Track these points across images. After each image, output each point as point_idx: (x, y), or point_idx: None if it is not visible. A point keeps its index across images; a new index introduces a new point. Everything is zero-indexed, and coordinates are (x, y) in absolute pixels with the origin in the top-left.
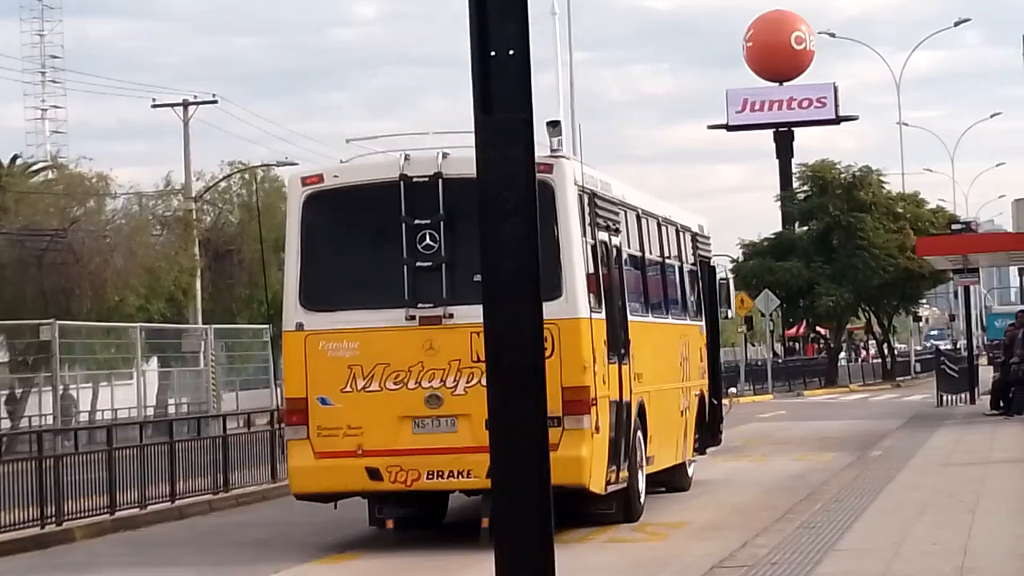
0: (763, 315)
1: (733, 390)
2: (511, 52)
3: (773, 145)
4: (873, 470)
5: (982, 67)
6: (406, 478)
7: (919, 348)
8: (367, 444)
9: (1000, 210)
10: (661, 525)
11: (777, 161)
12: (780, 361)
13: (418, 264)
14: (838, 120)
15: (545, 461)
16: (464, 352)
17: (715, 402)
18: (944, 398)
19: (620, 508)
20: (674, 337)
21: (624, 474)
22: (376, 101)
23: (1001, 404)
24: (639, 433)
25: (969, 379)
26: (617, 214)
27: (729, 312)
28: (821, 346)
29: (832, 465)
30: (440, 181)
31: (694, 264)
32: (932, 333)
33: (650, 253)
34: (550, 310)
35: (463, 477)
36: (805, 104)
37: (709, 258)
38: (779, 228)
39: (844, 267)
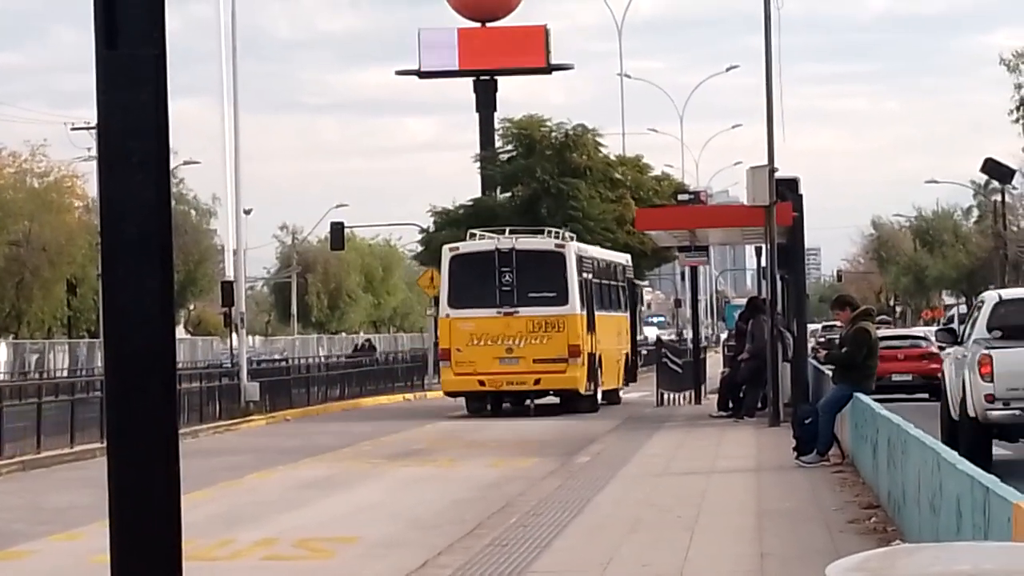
0: None
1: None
2: None
3: (473, 96)
4: (579, 480)
5: (717, 12)
6: (496, 384)
7: (640, 338)
8: (478, 369)
9: (736, 179)
10: (328, 540)
11: (477, 115)
12: None
13: (502, 288)
14: (549, 69)
15: (174, 461)
16: (525, 328)
17: (633, 358)
18: (665, 396)
19: (590, 405)
20: (614, 322)
21: (592, 387)
22: None
23: (730, 405)
24: (599, 368)
25: (695, 375)
26: (590, 263)
27: (642, 307)
28: None
29: (532, 473)
30: (514, 251)
31: (623, 282)
32: (659, 319)
33: (603, 280)
34: (563, 311)
35: (522, 385)
36: (511, 49)
37: (631, 278)
38: (478, 194)
39: None
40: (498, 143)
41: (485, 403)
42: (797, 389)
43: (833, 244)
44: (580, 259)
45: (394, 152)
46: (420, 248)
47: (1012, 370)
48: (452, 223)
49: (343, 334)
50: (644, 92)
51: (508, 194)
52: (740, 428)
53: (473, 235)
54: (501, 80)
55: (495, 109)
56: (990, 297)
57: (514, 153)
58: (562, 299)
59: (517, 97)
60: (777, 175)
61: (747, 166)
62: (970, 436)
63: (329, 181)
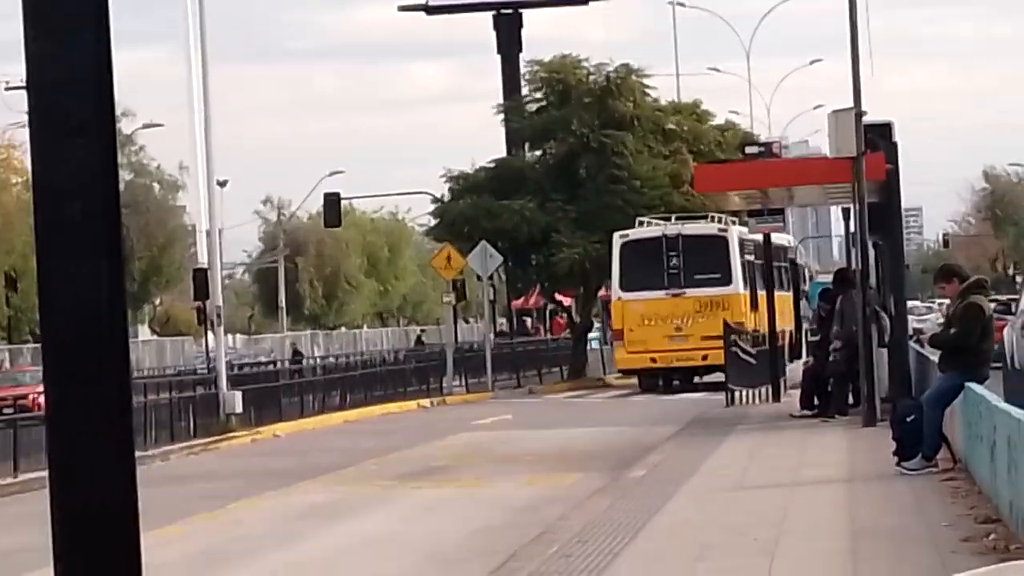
0: (479, 278)
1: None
2: None
3: (493, 35)
4: (632, 498)
5: None
6: (667, 361)
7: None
8: (649, 347)
9: (816, 126)
10: None
11: (499, 58)
12: (505, 344)
13: (670, 271)
14: None
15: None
16: (691, 308)
17: (798, 335)
18: (736, 394)
19: None
20: (777, 300)
21: None
22: None
23: (816, 402)
24: None
25: (771, 367)
26: (751, 245)
27: (804, 285)
28: (565, 321)
29: (576, 492)
30: (680, 237)
31: (785, 262)
32: None
33: (764, 260)
34: (727, 291)
35: (690, 361)
36: None
37: (793, 258)
38: (502, 152)
39: (595, 208)
40: (525, 90)
41: (657, 380)
42: (896, 381)
43: (937, 202)
44: (742, 242)
45: (399, 106)
46: (434, 221)
47: None
48: (471, 189)
49: (343, 329)
50: (702, 24)
51: (539, 152)
52: (828, 430)
53: (641, 223)
54: (527, 14)
55: (521, 50)
56: None
57: (545, 102)
58: (726, 280)
59: (547, 34)
60: (866, 120)
61: (829, 110)
62: (1015, 382)
63: (322, 143)
